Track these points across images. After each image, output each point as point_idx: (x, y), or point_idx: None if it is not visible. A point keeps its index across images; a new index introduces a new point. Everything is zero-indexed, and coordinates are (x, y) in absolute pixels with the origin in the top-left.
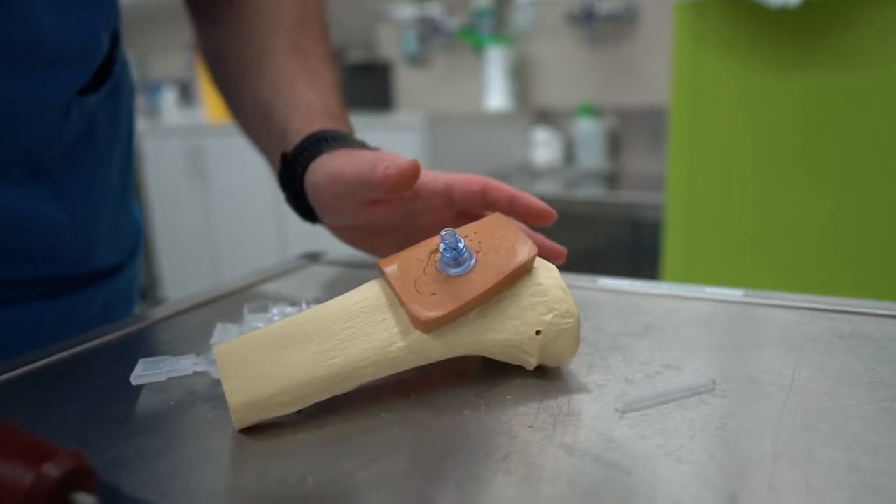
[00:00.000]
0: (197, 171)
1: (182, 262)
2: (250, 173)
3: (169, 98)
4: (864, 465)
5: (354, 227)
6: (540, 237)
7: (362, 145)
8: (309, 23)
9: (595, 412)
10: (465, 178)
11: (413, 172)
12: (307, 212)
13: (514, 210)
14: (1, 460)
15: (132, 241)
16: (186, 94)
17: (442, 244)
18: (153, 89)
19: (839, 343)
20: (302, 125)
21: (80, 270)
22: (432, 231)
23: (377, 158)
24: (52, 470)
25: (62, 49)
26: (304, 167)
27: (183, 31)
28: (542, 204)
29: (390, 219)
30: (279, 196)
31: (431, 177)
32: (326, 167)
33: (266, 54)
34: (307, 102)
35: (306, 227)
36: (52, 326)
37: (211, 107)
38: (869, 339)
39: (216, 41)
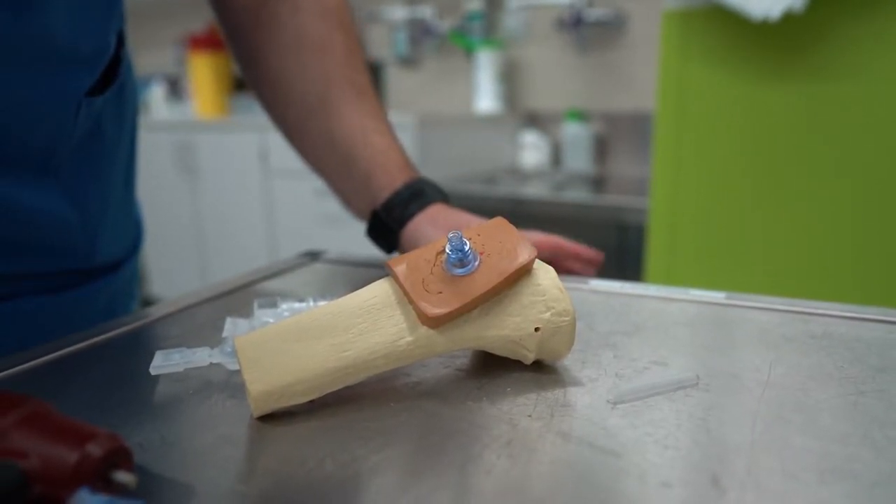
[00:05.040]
0: (186, 167)
1: (170, 259)
2: (240, 170)
3: (157, 93)
4: (832, 452)
5: None
6: (575, 247)
7: (442, 197)
8: (355, 54)
9: (589, 403)
10: (539, 243)
11: None
12: (391, 248)
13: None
14: (46, 441)
15: (134, 236)
16: (176, 89)
17: (448, 246)
18: (141, 84)
19: (812, 343)
20: (385, 181)
21: (86, 265)
22: None
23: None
24: (94, 449)
25: (75, 50)
26: (399, 224)
27: (172, 26)
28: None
29: None
30: (268, 192)
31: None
32: (422, 234)
33: (331, 95)
34: (383, 154)
35: (296, 224)
36: (58, 320)
37: (201, 102)
38: (839, 339)
39: (269, 67)
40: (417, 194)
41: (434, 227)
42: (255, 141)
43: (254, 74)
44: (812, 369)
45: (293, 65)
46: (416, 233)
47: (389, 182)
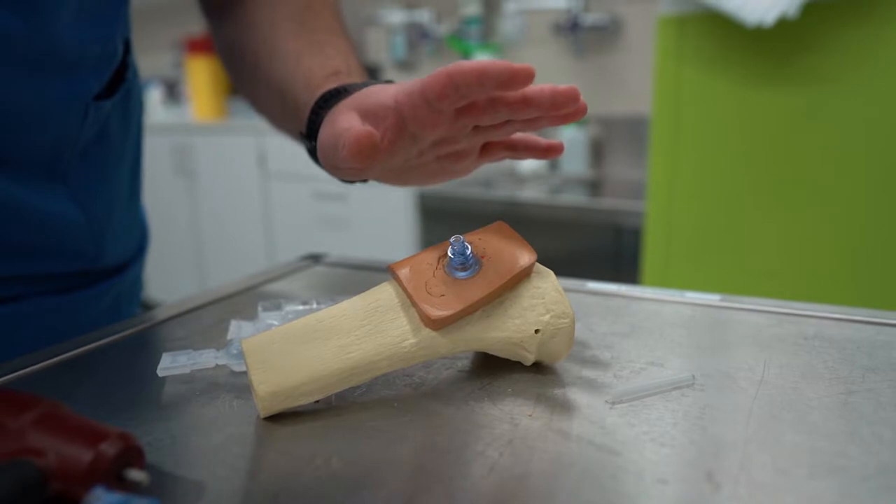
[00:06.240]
0: (184, 170)
1: (168, 261)
2: (238, 173)
3: (155, 96)
4: (822, 448)
5: (379, 172)
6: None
7: (358, 86)
8: (315, 3)
9: (588, 403)
10: (433, 78)
11: (366, 145)
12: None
13: (487, 86)
14: (61, 440)
15: (139, 239)
16: (173, 92)
17: (450, 250)
18: None
19: (804, 344)
20: (307, 98)
21: (92, 266)
22: (453, 141)
23: (338, 134)
24: (108, 449)
25: (82, 55)
26: (314, 136)
27: (169, 30)
28: (514, 67)
29: (404, 155)
30: (267, 195)
31: (405, 90)
32: (321, 138)
33: (275, 40)
34: (311, 72)
35: (294, 227)
36: (63, 321)
37: (198, 105)
38: (830, 340)
39: (229, 35)
40: (326, 101)
41: (324, 124)
42: (253, 144)
43: (219, 51)
44: (804, 369)
45: (245, 22)
46: (320, 138)
47: (310, 97)
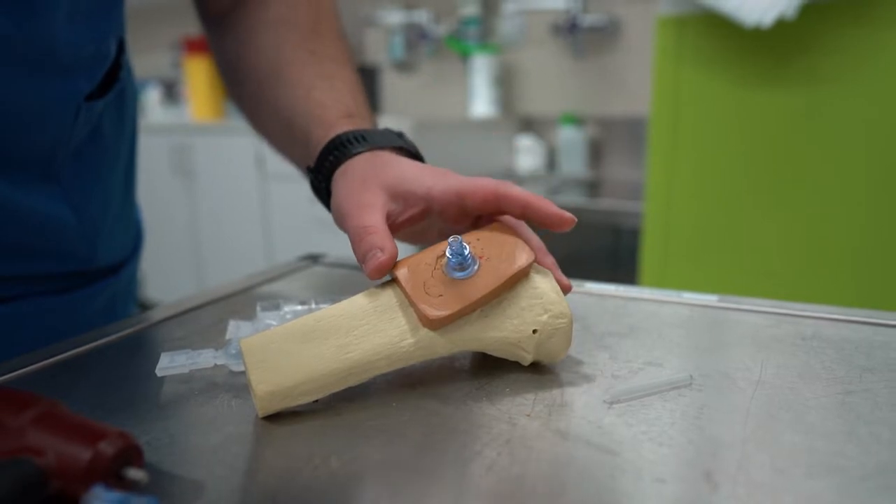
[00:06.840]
0: (182, 171)
1: (166, 262)
2: (237, 173)
3: (153, 96)
4: (820, 448)
5: None
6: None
7: (376, 143)
8: (322, 26)
9: (586, 403)
10: (476, 189)
11: (385, 270)
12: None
13: (527, 218)
14: (60, 439)
15: (134, 239)
16: (172, 93)
17: (449, 250)
18: (137, 87)
19: (802, 344)
20: (321, 134)
21: (85, 267)
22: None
23: (359, 230)
24: (107, 448)
25: (76, 56)
26: (328, 180)
27: (168, 30)
28: (558, 210)
29: (412, 230)
30: (265, 196)
31: (441, 188)
32: (335, 200)
33: (281, 64)
34: (324, 108)
35: (293, 228)
36: (57, 322)
37: (197, 105)
38: (828, 341)
39: (229, 49)
40: (342, 145)
41: (344, 179)
42: (252, 144)
43: (219, 62)
44: (801, 369)
45: (249, 40)
46: (334, 190)
47: (324, 135)
